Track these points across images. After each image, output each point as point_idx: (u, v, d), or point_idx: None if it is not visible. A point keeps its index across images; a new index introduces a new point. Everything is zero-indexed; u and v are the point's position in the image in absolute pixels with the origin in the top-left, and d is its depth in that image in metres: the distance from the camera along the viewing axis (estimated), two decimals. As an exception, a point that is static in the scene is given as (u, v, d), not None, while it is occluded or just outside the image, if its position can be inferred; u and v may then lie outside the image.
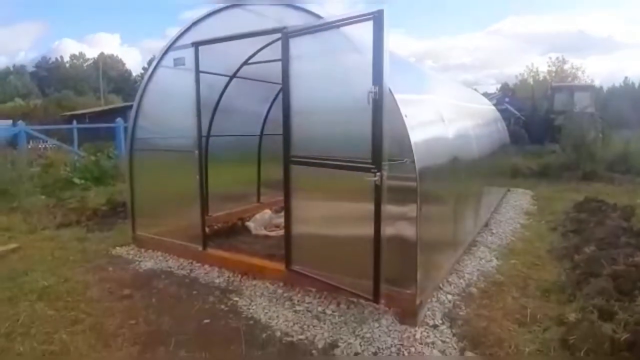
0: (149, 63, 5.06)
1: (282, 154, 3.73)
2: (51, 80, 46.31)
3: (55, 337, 3.00)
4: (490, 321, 3.29)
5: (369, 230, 3.10)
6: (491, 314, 3.42)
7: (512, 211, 7.18)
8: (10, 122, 16.68)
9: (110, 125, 13.57)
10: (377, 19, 2.94)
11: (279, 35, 3.67)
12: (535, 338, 3.04)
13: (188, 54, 4.44)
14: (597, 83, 31.61)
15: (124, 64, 56.35)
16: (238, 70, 5.57)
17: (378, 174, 3.00)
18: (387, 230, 3.10)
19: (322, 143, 3.51)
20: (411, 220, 3.18)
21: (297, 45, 3.56)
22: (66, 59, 54.89)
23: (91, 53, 57.21)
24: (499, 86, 32.47)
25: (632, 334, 2.72)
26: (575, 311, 3.26)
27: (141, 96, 5.02)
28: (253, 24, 4.00)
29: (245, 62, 5.47)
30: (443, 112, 4.34)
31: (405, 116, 3.20)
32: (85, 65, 53.99)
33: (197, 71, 4.37)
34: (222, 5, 4.26)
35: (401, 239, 3.22)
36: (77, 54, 56.80)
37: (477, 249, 5.03)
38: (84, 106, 32.08)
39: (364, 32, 3.00)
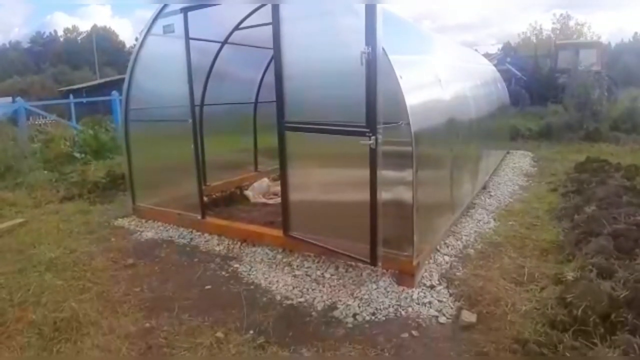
0: (141, 33, 4.93)
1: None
2: (46, 55, 45.49)
3: (65, 306, 3.08)
4: (487, 281, 3.32)
5: (365, 194, 3.09)
6: (488, 274, 3.46)
7: (511, 173, 7.14)
8: (9, 99, 16.52)
9: (106, 99, 13.44)
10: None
11: (269, -4, 3.55)
12: (532, 297, 3.06)
13: (177, 21, 4.31)
14: (604, 40, 30.59)
15: (117, 36, 55.17)
16: (229, 35, 5.42)
17: (373, 137, 2.96)
18: (384, 194, 3.09)
19: (316, 108, 3.45)
20: (407, 184, 3.17)
21: (289, 7, 3.43)
22: (60, 33, 53.86)
23: (84, 26, 56.01)
24: (500, 46, 31.48)
25: (631, 291, 2.67)
26: (574, 270, 3.23)
27: (132, 67, 4.93)
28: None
29: (237, 27, 5.32)
30: (440, 73, 4.23)
31: (400, 77, 3.13)
32: (79, 39, 52.84)
33: (187, 38, 4.25)
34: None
35: (398, 203, 3.23)
36: (70, 27, 55.66)
37: (474, 211, 5.05)
38: (80, 80, 31.83)
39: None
